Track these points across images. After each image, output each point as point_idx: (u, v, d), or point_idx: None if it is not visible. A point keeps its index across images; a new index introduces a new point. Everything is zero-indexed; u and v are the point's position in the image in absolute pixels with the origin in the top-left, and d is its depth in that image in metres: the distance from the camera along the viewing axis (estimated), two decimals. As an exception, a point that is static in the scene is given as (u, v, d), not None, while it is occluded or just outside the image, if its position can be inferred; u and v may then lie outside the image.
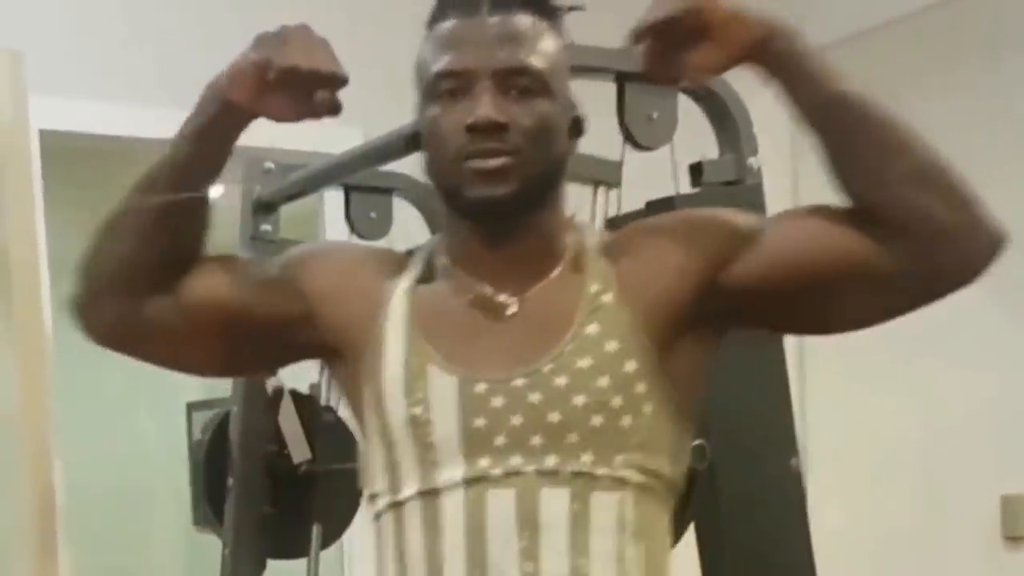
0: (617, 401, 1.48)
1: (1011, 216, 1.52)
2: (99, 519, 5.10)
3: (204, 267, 1.58)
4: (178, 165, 1.53)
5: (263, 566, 2.65)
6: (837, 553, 2.36)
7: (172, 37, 3.26)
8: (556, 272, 1.55)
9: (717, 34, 1.44)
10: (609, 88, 2.03)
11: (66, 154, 3.06)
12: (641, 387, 1.49)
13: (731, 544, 2.17)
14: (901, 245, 1.43)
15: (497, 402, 1.48)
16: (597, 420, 1.47)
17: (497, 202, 1.48)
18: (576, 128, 1.59)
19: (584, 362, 1.48)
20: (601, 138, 2.11)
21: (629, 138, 2.10)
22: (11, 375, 2.22)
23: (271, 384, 2.62)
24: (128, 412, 6.05)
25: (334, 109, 1.51)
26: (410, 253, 1.67)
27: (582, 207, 2.22)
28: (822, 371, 3.75)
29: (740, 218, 1.57)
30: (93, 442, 5.26)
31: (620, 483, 1.48)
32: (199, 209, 1.56)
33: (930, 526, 3.78)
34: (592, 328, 1.50)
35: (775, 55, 1.45)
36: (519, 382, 1.49)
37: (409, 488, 1.51)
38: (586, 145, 2.17)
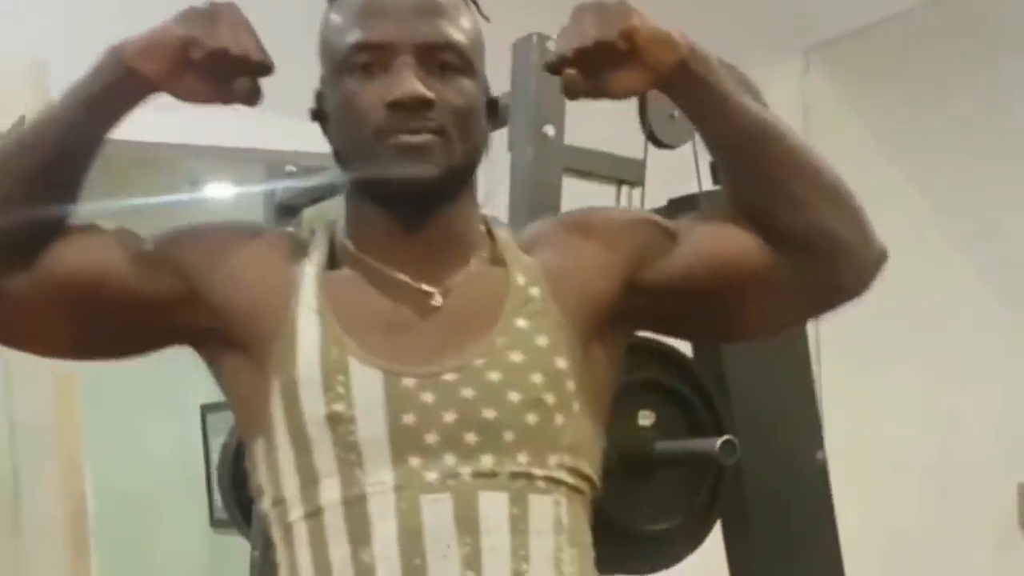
0: (550, 398, 1.40)
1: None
2: (115, 521, 5.12)
3: (68, 238, 1.42)
4: (55, 134, 1.39)
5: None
6: (854, 542, 2.36)
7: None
8: (474, 263, 1.47)
9: (642, 55, 1.38)
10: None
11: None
12: (570, 385, 1.42)
13: (758, 538, 2.18)
14: (804, 260, 1.43)
15: (427, 397, 1.37)
16: (532, 418, 1.39)
17: (422, 183, 1.39)
18: (492, 110, 1.50)
19: (517, 356, 1.40)
20: (623, 137, 2.13)
21: (651, 136, 2.12)
22: (44, 385, 2.24)
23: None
24: (141, 415, 6.06)
25: (254, 98, 1.40)
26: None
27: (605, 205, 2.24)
28: (836, 362, 3.76)
29: (659, 219, 1.53)
30: (107, 446, 5.27)
31: (555, 484, 1.41)
32: (71, 184, 1.42)
33: (946, 514, 3.78)
34: (522, 322, 1.42)
35: (695, 75, 1.40)
36: (450, 376, 1.38)
37: (329, 493, 1.38)
38: (609, 143, 2.20)
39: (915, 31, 3.88)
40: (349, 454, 1.37)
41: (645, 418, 2.02)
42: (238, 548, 2.75)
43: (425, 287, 1.43)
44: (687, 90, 1.42)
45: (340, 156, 1.46)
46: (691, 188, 2.16)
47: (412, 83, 1.37)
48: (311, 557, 1.39)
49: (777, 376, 2.20)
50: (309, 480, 1.39)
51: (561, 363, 1.42)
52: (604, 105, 1.59)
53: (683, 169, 2.15)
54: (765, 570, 2.20)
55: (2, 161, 1.40)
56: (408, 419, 1.37)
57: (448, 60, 1.40)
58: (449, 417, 1.37)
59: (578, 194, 2.09)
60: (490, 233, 1.51)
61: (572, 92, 1.42)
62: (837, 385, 3.84)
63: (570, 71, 1.39)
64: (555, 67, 1.40)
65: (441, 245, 1.45)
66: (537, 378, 1.40)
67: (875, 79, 3.98)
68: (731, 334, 1.65)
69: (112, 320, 1.45)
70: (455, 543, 1.34)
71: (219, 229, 1.51)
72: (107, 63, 1.39)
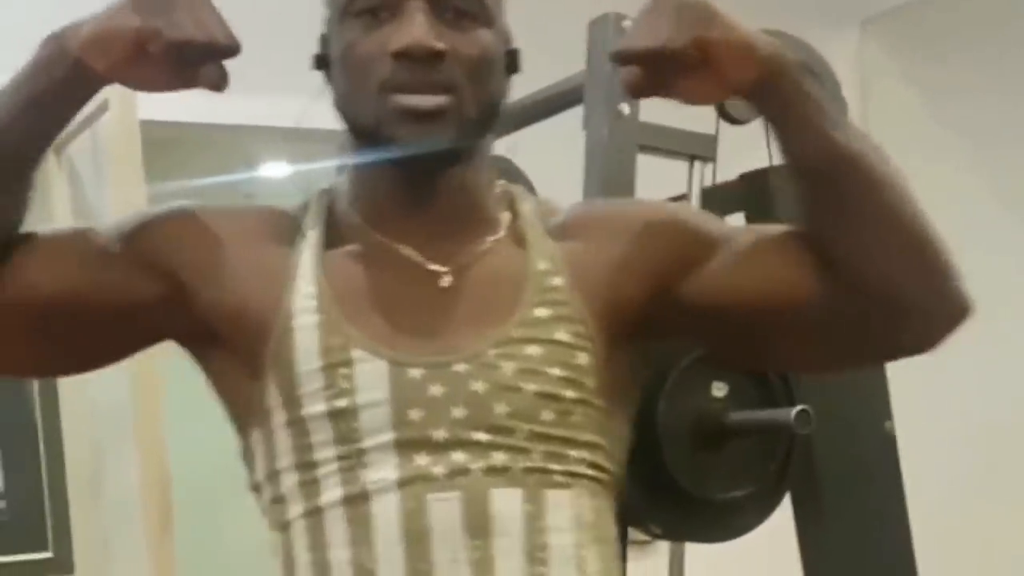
0: (569, 394, 1.31)
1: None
2: (191, 506, 5.17)
3: (24, 252, 1.29)
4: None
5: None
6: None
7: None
8: (493, 241, 1.37)
9: (717, 67, 1.24)
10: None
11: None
12: (591, 382, 1.33)
13: (828, 508, 2.19)
14: (860, 307, 1.31)
15: (435, 390, 1.28)
16: (548, 414, 1.30)
17: (430, 149, 1.28)
18: (512, 64, 1.38)
19: (533, 349, 1.30)
20: (695, 112, 2.15)
21: (723, 112, 2.13)
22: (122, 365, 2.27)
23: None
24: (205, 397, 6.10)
25: (222, 83, 1.27)
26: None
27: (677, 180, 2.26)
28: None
29: (704, 224, 1.42)
30: (184, 431, 5.31)
31: (574, 477, 1.31)
32: (23, 191, 1.28)
33: (990, 512, 3.76)
34: (541, 311, 1.32)
35: (775, 93, 1.27)
36: (460, 367, 1.29)
37: (330, 493, 1.29)
38: (681, 119, 2.21)
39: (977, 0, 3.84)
40: (351, 450, 1.29)
41: (719, 389, 2.03)
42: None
43: (434, 267, 1.34)
44: (765, 105, 1.30)
45: (340, 110, 1.35)
46: (763, 162, 2.17)
47: (421, 31, 1.26)
48: (310, 560, 1.31)
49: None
50: (308, 478, 1.31)
51: (582, 358, 1.33)
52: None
53: (755, 144, 2.17)
54: (834, 540, 2.21)
55: None
56: (414, 414, 1.28)
57: (463, 7, 1.29)
58: (458, 413, 1.28)
59: (650, 169, 2.12)
60: (512, 208, 1.42)
61: (635, 91, 1.31)
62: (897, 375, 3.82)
63: (634, 69, 1.28)
64: (620, 61, 1.29)
65: (453, 216, 1.36)
66: (555, 372, 1.31)
67: (935, 52, 3.93)
68: (767, 365, 1.57)
69: (83, 333, 1.34)
70: (465, 547, 1.26)
71: (198, 217, 1.38)
72: (51, 56, 1.24)
